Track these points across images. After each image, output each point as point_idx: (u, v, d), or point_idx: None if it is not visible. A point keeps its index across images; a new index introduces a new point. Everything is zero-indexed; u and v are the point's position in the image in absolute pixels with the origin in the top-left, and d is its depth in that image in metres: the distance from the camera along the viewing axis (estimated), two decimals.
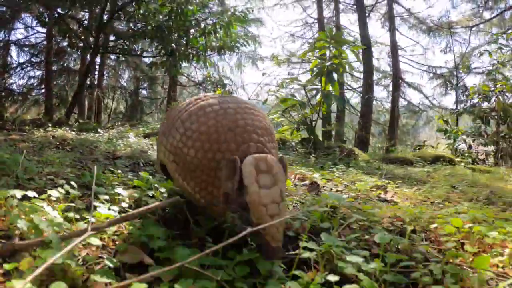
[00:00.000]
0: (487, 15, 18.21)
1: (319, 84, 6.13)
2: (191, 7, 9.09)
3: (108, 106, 19.36)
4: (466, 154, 8.14)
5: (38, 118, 9.37)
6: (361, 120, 14.78)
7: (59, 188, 1.65)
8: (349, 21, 28.78)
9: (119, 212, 1.60)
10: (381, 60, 21.30)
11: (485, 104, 8.69)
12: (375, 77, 20.42)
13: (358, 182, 2.92)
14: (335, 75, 5.99)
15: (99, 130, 6.60)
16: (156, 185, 1.97)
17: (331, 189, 2.79)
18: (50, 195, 1.58)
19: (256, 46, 20.18)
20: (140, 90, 20.42)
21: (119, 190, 1.86)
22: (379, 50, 20.89)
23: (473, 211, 1.94)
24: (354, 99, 20.19)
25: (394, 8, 18.29)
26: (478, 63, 22.64)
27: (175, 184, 1.59)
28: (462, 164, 6.38)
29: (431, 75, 17.86)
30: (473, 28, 17.67)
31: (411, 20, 19.30)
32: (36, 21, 11.46)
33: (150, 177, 2.05)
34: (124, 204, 1.78)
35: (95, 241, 1.19)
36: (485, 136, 8.43)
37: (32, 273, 0.78)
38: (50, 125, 6.65)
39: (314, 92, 6.52)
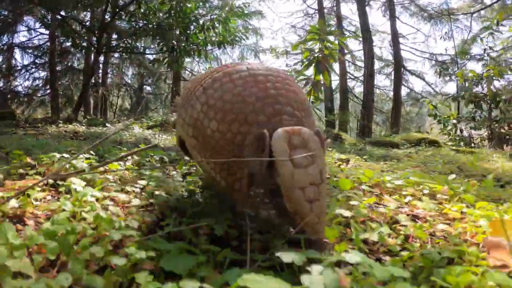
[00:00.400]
0: (488, 0, 18.58)
1: (311, 75, 6.69)
2: (189, 5, 9.63)
3: (113, 103, 20.01)
4: (458, 138, 8.67)
5: (49, 116, 10.02)
6: (363, 109, 15.31)
7: (82, 154, 2.24)
8: (350, 10, 29.17)
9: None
10: (383, 49, 21.77)
11: (478, 89, 9.16)
12: (377, 66, 20.94)
13: (328, 157, 3.46)
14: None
15: (106, 124, 7.21)
16: (151, 154, 2.57)
17: None
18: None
19: (258, 38, 20.78)
20: (144, 86, 21.07)
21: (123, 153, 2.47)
22: (381, 39, 21.38)
23: (406, 173, 2.49)
24: (358, 88, 20.71)
25: None
26: (480, 49, 23.05)
27: (196, 162, 1.46)
28: (448, 146, 6.91)
29: (433, 62, 18.25)
30: (474, 14, 17.95)
31: (412, 8, 19.72)
32: (39, 24, 12.11)
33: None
34: (128, 163, 2.37)
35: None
36: (477, 121, 8.92)
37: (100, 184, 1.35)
38: (60, 122, 7.27)
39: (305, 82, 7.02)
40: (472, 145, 8.72)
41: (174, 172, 2.07)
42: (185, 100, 1.42)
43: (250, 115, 1.17)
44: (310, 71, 6.63)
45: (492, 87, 8.73)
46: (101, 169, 1.81)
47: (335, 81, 19.28)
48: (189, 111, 1.33)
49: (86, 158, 2.10)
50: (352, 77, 20.38)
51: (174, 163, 2.40)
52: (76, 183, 1.48)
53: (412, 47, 20.24)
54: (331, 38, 6.80)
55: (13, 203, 1.25)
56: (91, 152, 2.42)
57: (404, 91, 19.73)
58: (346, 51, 19.73)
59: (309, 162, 1.04)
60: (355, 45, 21.98)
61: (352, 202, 1.67)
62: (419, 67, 20.76)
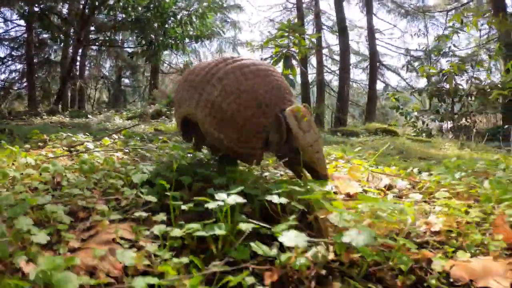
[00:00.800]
0: None
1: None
2: (167, 0, 10.26)
3: (91, 96, 20.42)
4: (420, 129, 9.54)
5: (31, 109, 10.55)
6: (338, 102, 16.11)
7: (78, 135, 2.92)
8: (329, 5, 29.96)
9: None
10: (360, 44, 22.61)
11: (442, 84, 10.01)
12: (354, 60, 21.80)
13: None
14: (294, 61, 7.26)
15: (88, 115, 7.83)
16: (133, 135, 3.27)
17: None
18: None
19: (236, 32, 21.45)
20: (122, 79, 21.48)
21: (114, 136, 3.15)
22: (359, 33, 22.22)
23: (341, 149, 3.21)
24: (335, 81, 21.50)
25: None
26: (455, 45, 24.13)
27: (210, 138, 1.70)
28: (406, 136, 7.72)
29: (408, 57, 19.13)
30: (450, 12, 18.79)
31: (389, 4, 20.61)
32: (16, 15, 12.48)
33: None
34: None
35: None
36: (440, 113, 9.79)
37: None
38: (44, 114, 7.87)
39: None
40: (433, 136, 9.53)
41: (151, 144, 2.75)
42: (194, 86, 1.75)
43: (262, 101, 1.58)
44: (279, 66, 7.36)
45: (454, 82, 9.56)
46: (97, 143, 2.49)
47: (312, 74, 20.07)
48: (204, 95, 1.66)
49: (86, 136, 2.77)
50: (329, 70, 21.18)
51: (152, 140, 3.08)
52: (90, 146, 2.19)
53: (389, 42, 21.27)
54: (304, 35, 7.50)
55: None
56: (86, 133, 3.09)
57: (380, 85, 20.64)
58: (324, 45, 20.56)
59: (309, 127, 1.53)
60: (333, 40, 22.85)
61: None
62: (395, 62, 21.73)
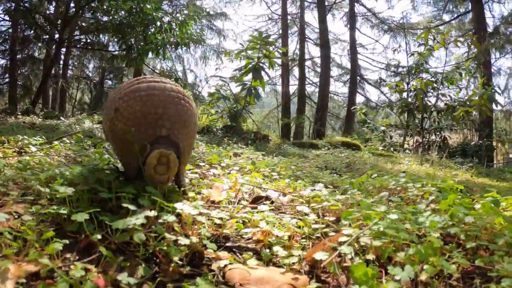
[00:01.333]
0: (447, 17, 20.16)
1: (250, 81, 7.74)
2: (149, 6, 10.49)
3: (73, 96, 20.53)
4: (388, 143, 9.95)
5: (7, 107, 10.74)
6: (317, 114, 16.48)
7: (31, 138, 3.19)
8: (314, 18, 30.37)
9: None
10: (343, 57, 23.10)
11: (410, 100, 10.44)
12: (336, 73, 22.30)
13: (235, 152, 4.47)
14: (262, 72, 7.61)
15: (61, 118, 8.06)
16: (85, 140, 3.55)
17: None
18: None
19: (221, 39, 21.81)
20: (105, 80, 21.65)
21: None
22: (342, 47, 22.80)
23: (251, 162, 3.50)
24: (317, 93, 21.88)
25: (356, 7, 20.10)
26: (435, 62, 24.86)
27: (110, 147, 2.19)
28: (369, 150, 8.08)
29: (389, 72, 19.62)
30: (432, 30, 19.31)
31: (373, 20, 21.17)
32: (1, 11, 12.61)
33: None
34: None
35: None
36: (408, 128, 10.22)
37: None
38: (19, 113, 8.10)
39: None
40: (398, 151, 9.89)
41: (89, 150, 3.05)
42: (109, 103, 1.95)
43: (142, 125, 1.76)
44: (249, 77, 7.69)
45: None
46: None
47: (293, 86, 20.46)
48: (107, 111, 1.91)
49: (39, 139, 3.06)
50: (311, 82, 21.61)
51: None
52: (33, 149, 2.48)
53: (370, 57, 21.78)
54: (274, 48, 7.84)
55: None
56: (42, 136, 3.37)
57: (361, 98, 21.12)
58: (307, 57, 20.98)
59: (165, 172, 1.73)
60: (317, 52, 23.27)
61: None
62: (376, 77, 22.16)
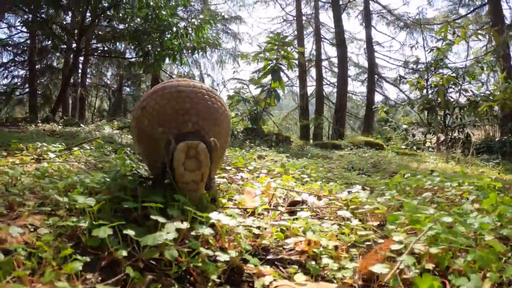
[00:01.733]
0: (463, 11, 19.76)
1: (269, 82, 7.61)
2: (164, 12, 10.47)
3: (92, 104, 20.68)
4: (411, 142, 9.73)
5: (28, 116, 10.81)
6: (336, 114, 16.28)
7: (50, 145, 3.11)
8: (329, 18, 30.24)
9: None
10: (360, 56, 22.86)
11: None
12: (353, 72, 22.05)
13: (259, 154, 4.34)
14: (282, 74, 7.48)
15: (81, 124, 8.04)
16: (105, 146, 3.45)
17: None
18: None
19: (237, 43, 21.74)
20: (124, 87, 21.74)
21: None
22: (358, 46, 22.52)
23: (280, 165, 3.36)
24: (335, 94, 21.68)
25: (371, 5, 19.84)
26: (454, 57, 24.40)
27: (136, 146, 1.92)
28: (392, 149, 7.89)
29: (407, 70, 19.29)
30: (452, 24, 18.94)
31: (388, 17, 20.87)
32: (19, 22, 12.76)
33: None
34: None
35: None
36: (431, 126, 9.97)
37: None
38: (39, 121, 8.10)
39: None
40: (421, 149, 9.66)
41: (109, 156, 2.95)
42: (138, 104, 1.90)
43: (166, 121, 1.66)
44: (268, 79, 7.56)
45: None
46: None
47: (311, 86, 20.29)
48: (135, 111, 1.84)
49: (58, 146, 2.97)
50: (329, 83, 21.40)
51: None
52: (51, 155, 2.38)
53: (387, 55, 21.49)
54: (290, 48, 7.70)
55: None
56: (62, 143, 3.28)
57: (379, 97, 20.83)
58: (323, 57, 20.81)
59: (196, 168, 1.52)
60: (333, 52, 23.11)
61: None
62: (393, 75, 21.89)
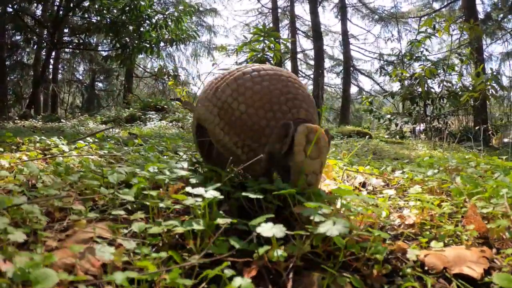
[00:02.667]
0: (436, 5, 20.03)
1: None
2: (143, 2, 10.18)
3: (64, 100, 20.11)
4: (393, 131, 9.77)
5: (2, 114, 10.37)
6: None
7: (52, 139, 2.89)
8: (304, 11, 30.28)
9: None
10: (335, 49, 22.88)
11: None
12: (328, 65, 22.04)
13: None
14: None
15: (62, 120, 7.74)
16: (108, 139, 3.25)
17: None
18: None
19: (212, 36, 21.49)
20: (96, 83, 21.24)
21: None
22: (333, 38, 22.49)
23: None
24: (310, 86, 21.69)
25: None
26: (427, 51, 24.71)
27: (214, 140, 1.59)
28: (379, 138, 7.88)
29: (382, 62, 19.43)
30: (423, 18, 19.17)
31: (363, 10, 20.92)
32: None
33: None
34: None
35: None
36: (412, 116, 10.03)
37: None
38: (16, 118, 7.75)
39: None
40: (407, 137, 9.73)
41: (126, 147, 2.75)
42: (211, 86, 1.65)
43: (275, 105, 1.43)
44: None
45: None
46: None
47: None
48: (217, 94, 1.56)
49: (61, 139, 2.76)
50: (304, 75, 21.36)
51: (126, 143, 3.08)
52: (65, 149, 2.18)
53: (362, 47, 21.53)
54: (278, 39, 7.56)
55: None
56: (60, 137, 3.06)
57: (354, 89, 20.92)
58: (298, 50, 20.75)
59: (317, 155, 1.32)
60: (308, 44, 23.09)
61: None
62: (368, 67, 22.00)
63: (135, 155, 2.23)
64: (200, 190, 1.10)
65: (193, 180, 1.41)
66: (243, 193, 1.20)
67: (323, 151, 1.33)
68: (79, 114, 12.62)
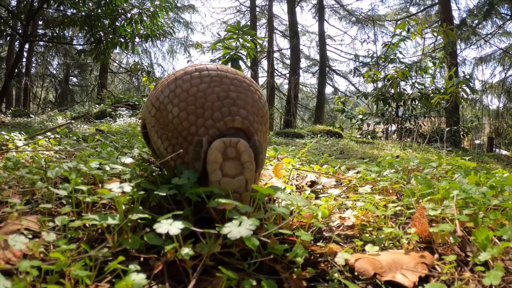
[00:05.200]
0: (413, 10, 20.38)
1: None
2: None
3: (37, 95, 19.77)
4: (365, 131, 9.94)
5: None
6: (287, 105, 16.33)
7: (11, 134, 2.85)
8: (282, 10, 30.36)
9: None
10: (311, 49, 23.05)
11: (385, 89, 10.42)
12: (305, 65, 22.18)
13: None
14: (241, 63, 7.31)
15: (30, 115, 7.61)
16: (69, 135, 3.21)
17: None
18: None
19: (189, 32, 21.37)
20: (70, 77, 20.95)
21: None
22: (310, 39, 22.65)
23: (273, 148, 3.27)
24: (286, 85, 21.79)
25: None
26: (403, 53, 25.18)
27: (152, 141, 1.47)
28: (350, 138, 8.00)
29: (357, 63, 19.64)
30: (399, 21, 19.46)
31: (341, 12, 21.10)
32: None
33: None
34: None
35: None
36: (384, 117, 10.20)
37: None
38: None
39: None
40: (379, 138, 9.89)
41: (84, 144, 2.72)
42: (158, 85, 1.52)
43: (207, 110, 1.29)
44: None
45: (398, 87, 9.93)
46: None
47: (263, 77, 20.26)
48: (157, 94, 1.43)
49: (20, 135, 2.71)
50: (280, 74, 21.45)
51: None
52: (19, 144, 2.14)
53: (339, 48, 21.76)
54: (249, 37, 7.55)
55: None
56: (22, 132, 3.02)
57: (329, 89, 21.11)
58: (275, 49, 20.79)
59: (237, 173, 1.17)
60: (285, 43, 23.16)
61: None
62: (344, 68, 22.23)
63: (90, 151, 2.20)
64: (118, 185, 1.10)
65: (125, 176, 1.37)
66: (155, 191, 1.17)
67: (248, 167, 1.19)
68: (50, 109, 12.38)
